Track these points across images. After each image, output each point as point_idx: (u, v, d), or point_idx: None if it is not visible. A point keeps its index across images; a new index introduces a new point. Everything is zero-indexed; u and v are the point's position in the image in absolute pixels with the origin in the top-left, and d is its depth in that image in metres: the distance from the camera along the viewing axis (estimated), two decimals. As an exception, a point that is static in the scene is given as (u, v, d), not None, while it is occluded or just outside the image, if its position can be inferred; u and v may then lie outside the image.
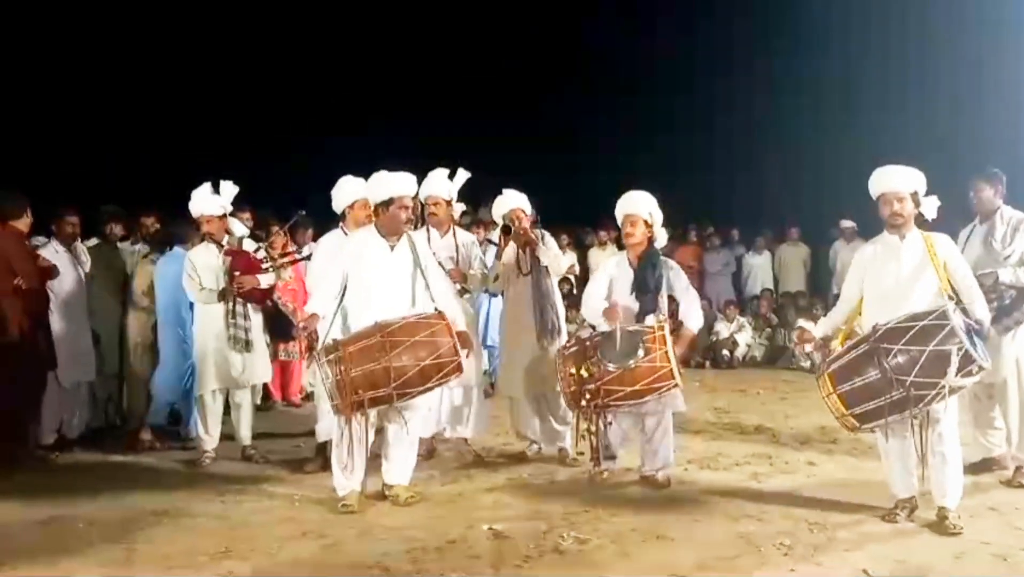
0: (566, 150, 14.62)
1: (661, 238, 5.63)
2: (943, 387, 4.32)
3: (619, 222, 5.65)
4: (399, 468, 5.17)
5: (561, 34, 15.06)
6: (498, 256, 6.16)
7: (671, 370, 5.10)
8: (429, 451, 6.13)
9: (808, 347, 5.12)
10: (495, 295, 7.14)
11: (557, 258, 6.09)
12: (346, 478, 5.04)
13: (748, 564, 4.17)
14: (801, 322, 10.34)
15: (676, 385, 5.21)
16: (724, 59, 14.67)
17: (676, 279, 5.58)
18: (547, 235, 6.16)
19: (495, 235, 6.70)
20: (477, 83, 14.92)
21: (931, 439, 4.54)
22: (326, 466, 5.45)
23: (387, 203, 5.08)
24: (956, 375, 4.31)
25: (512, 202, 6.12)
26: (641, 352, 5.07)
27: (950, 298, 4.58)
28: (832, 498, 5.08)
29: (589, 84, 15.22)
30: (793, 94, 13.94)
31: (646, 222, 5.53)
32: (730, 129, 14.41)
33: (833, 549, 4.34)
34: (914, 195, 4.70)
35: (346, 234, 5.71)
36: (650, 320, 5.35)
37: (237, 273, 6.05)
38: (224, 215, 6.20)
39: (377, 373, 4.72)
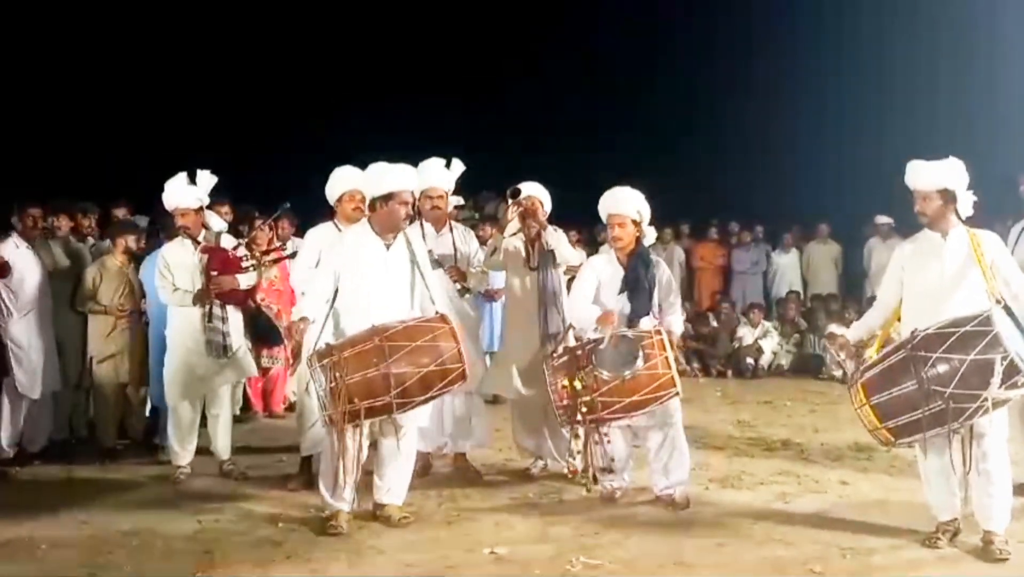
0: (578, 142, 14.65)
1: (649, 236, 5.62)
2: (985, 400, 4.31)
3: (604, 221, 5.61)
4: (393, 486, 5.16)
5: (571, 27, 15.13)
6: (500, 228, 6.03)
7: (672, 377, 5.10)
8: (424, 467, 6.11)
9: (841, 354, 5.08)
10: (493, 300, 7.05)
11: (566, 244, 6.08)
12: (334, 495, 5.03)
13: (775, 593, 4.18)
14: (832, 327, 10.31)
15: (677, 393, 5.20)
16: (745, 46, 14.72)
17: (666, 283, 5.58)
18: (559, 231, 6.15)
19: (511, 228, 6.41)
20: (478, 74, 15.00)
21: (975, 456, 4.54)
22: (311, 483, 5.45)
23: (386, 198, 5.03)
24: (1000, 387, 4.30)
25: (529, 190, 6.06)
26: (640, 361, 5.05)
27: (997, 302, 4.57)
28: (867, 521, 5.08)
29: (602, 74, 15.26)
30: (822, 80, 13.96)
31: (634, 221, 5.49)
32: (753, 117, 14.42)
33: (868, 576, 4.32)
34: (943, 192, 4.70)
35: (339, 229, 5.71)
36: (645, 323, 5.35)
37: (214, 273, 6.04)
38: (201, 208, 6.20)
39: (375, 380, 4.71)
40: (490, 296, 6.80)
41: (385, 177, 5.07)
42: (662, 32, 15.13)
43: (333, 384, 4.67)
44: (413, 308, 5.10)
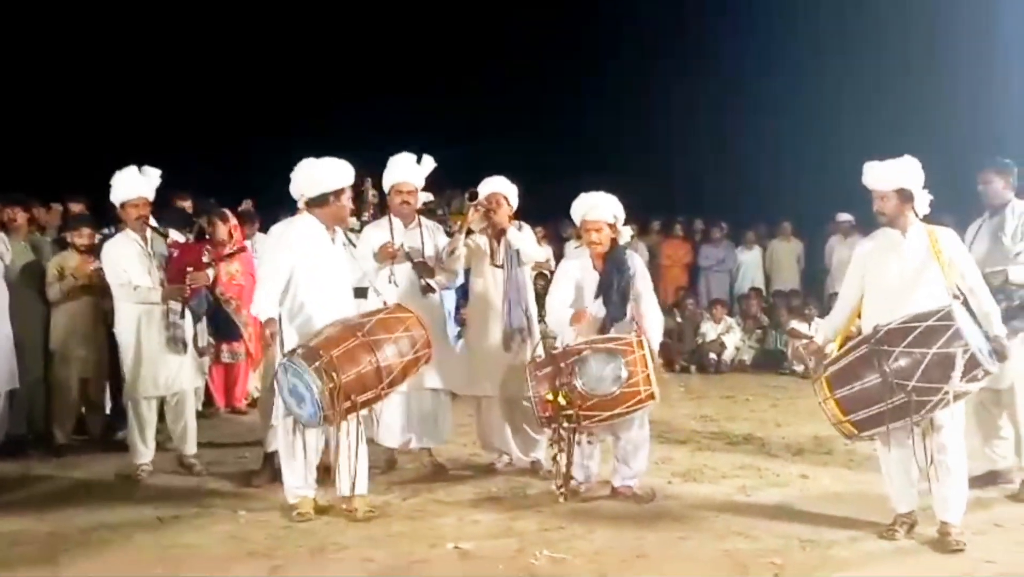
0: (542, 139, 14.67)
1: (624, 235, 5.63)
2: (947, 392, 4.39)
3: (577, 224, 5.61)
4: (357, 477, 5.16)
5: (539, 16, 15.13)
6: (460, 228, 5.97)
7: (653, 391, 5.16)
8: (389, 463, 6.10)
9: (811, 360, 5.13)
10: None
11: (531, 242, 6.08)
12: (299, 483, 5.06)
13: (736, 585, 4.21)
14: (793, 323, 10.45)
15: (654, 400, 5.25)
16: (708, 44, 14.82)
17: (640, 282, 5.58)
18: (526, 226, 6.15)
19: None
20: (443, 65, 14.98)
21: (933, 448, 4.60)
22: (275, 478, 5.40)
23: (338, 193, 5.14)
24: (961, 380, 4.38)
25: (493, 186, 6.04)
26: (624, 372, 5.08)
27: (956, 297, 4.65)
28: (826, 513, 5.13)
29: (565, 68, 15.29)
30: (784, 78, 14.08)
31: (609, 224, 5.50)
32: (715, 116, 14.53)
33: (826, 568, 4.38)
34: (900, 191, 4.77)
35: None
36: (621, 329, 5.38)
37: (190, 269, 5.97)
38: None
39: (368, 376, 4.86)
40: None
41: (336, 172, 5.17)
42: (625, 29, 15.19)
43: (332, 385, 4.72)
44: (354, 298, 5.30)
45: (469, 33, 15.06)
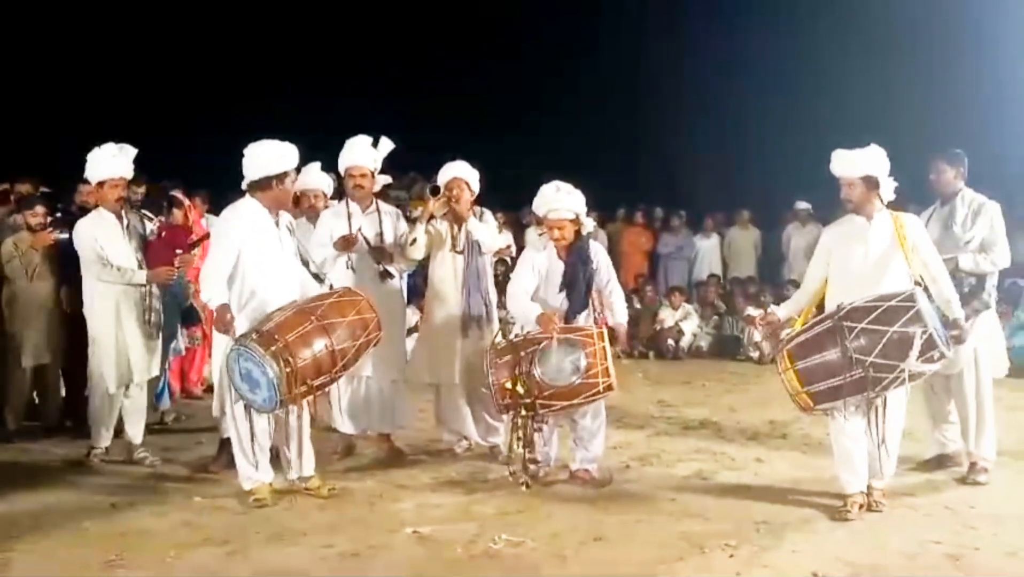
0: (500, 126, 14.65)
1: (588, 225, 5.62)
2: (903, 371, 4.51)
3: (540, 216, 5.60)
4: (310, 456, 5.21)
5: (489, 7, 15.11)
6: (421, 218, 5.95)
7: (611, 383, 5.19)
8: (348, 448, 6.08)
9: (766, 338, 5.25)
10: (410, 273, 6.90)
11: (491, 232, 6.07)
12: (253, 469, 5.03)
13: (691, 566, 4.24)
14: (749, 309, 10.56)
15: (613, 391, 5.29)
16: (669, 34, 14.88)
17: (605, 273, 5.61)
18: (487, 212, 6.14)
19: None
20: (400, 57, 14.90)
21: (880, 426, 4.77)
22: (231, 464, 5.35)
23: (281, 177, 5.10)
24: (917, 360, 4.49)
25: (455, 171, 6.01)
26: (584, 361, 5.09)
27: (917, 283, 4.78)
28: (780, 496, 5.20)
29: (521, 57, 15.27)
30: (743, 72, 14.19)
31: (572, 220, 5.48)
32: (677, 105, 14.59)
33: (781, 550, 4.44)
34: (866, 179, 4.89)
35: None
36: (583, 320, 5.41)
37: (179, 252, 5.90)
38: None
39: (323, 360, 4.88)
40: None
41: (279, 156, 5.11)
42: (584, 21, 15.21)
43: (289, 370, 4.71)
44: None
45: (436, 23, 14.98)
